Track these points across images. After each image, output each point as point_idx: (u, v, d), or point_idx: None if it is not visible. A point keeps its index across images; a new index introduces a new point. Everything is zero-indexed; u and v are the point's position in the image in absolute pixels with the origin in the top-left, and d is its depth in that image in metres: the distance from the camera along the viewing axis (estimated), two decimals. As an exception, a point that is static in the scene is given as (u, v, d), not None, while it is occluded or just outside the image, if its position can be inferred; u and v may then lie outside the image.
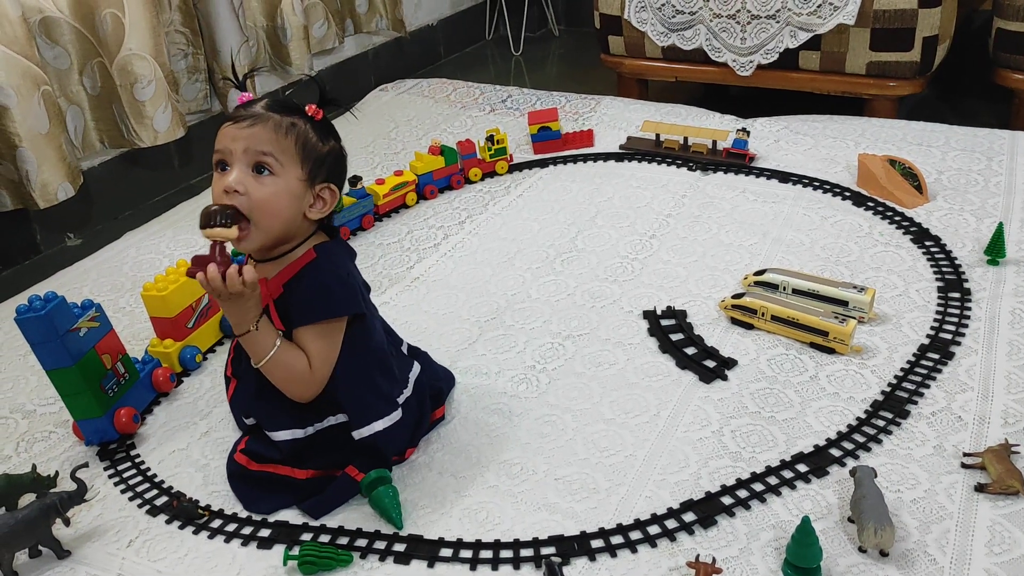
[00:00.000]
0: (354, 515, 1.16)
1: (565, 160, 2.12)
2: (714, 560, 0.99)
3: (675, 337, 1.45)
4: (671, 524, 1.10)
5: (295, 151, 1.10)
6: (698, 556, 1.00)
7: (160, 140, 2.09)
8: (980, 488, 1.11)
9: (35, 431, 1.37)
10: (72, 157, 1.94)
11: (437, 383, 1.32)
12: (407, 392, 1.23)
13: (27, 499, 1.17)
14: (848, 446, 1.20)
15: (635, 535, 1.09)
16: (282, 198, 1.09)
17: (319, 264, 1.14)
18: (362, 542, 1.11)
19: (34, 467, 1.20)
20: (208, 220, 1.05)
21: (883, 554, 1.03)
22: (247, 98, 1.13)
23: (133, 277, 1.77)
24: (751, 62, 2.30)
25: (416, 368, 1.27)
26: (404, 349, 1.30)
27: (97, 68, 2.02)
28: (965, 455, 1.16)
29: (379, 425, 1.17)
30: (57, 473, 1.21)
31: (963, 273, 1.54)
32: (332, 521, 1.15)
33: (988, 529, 1.05)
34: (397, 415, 1.19)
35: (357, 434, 1.17)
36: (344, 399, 1.16)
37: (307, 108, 1.13)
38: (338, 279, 1.14)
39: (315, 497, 1.17)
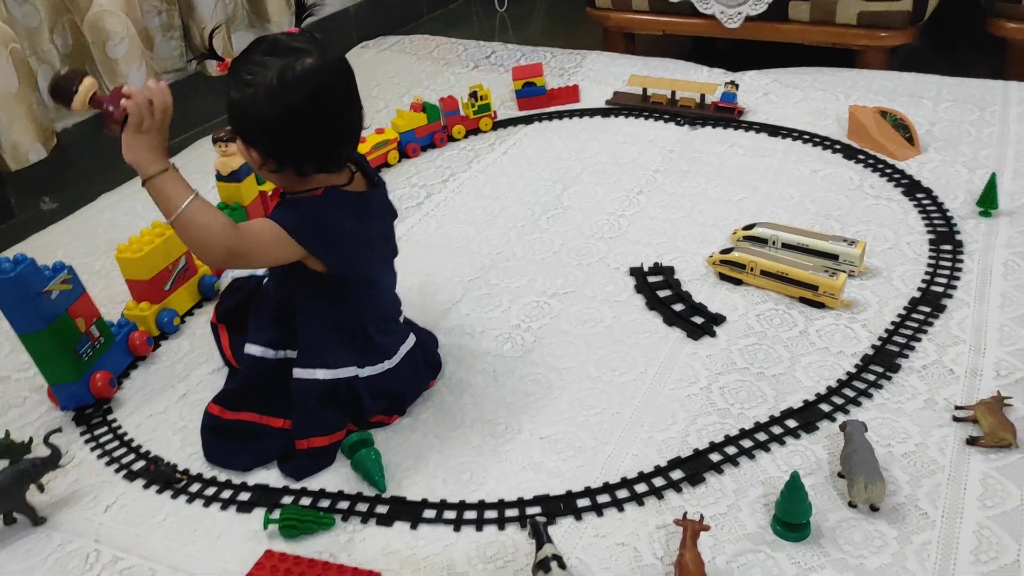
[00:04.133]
0: (336, 478, 1.14)
1: (551, 116, 2.08)
2: (702, 517, 0.97)
3: (662, 294, 1.42)
4: (658, 482, 1.08)
5: None
6: (686, 513, 0.98)
7: (135, 99, 2.03)
8: (972, 441, 1.09)
9: (9, 397, 1.34)
10: (44, 118, 1.89)
11: (435, 355, 1.30)
12: (390, 363, 1.20)
13: (0, 466, 1.14)
14: (838, 401, 1.18)
15: (622, 494, 1.07)
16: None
17: (312, 196, 1.12)
18: (344, 504, 1.09)
19: (7, 433, 1.17)
20: (58, 87, 1.05)
21: (874, 509, 1.02)
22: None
23: (108, 239, 1.73)
24: (739, 13, 2.25)
25: (411, 340, 1.25)
26: (402, 320, 1.27)
27: (68, 25, 1.97)
28: (957, 408, 1.15)
29: (321, 374, 1.15)
30: (31, 439, 1.18)
31: (955, 225, 1.52)
32: (313, 484, 1.13)
33: (980, 482, 1.04)
34: (349, 371, 1.16)
35: (296, 372, 1.15)
36: (301, 330, 1.16)
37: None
38: (310, 210, 1.10)
39: (294, 461, 1.15)
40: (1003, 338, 1.26)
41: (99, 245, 1.72)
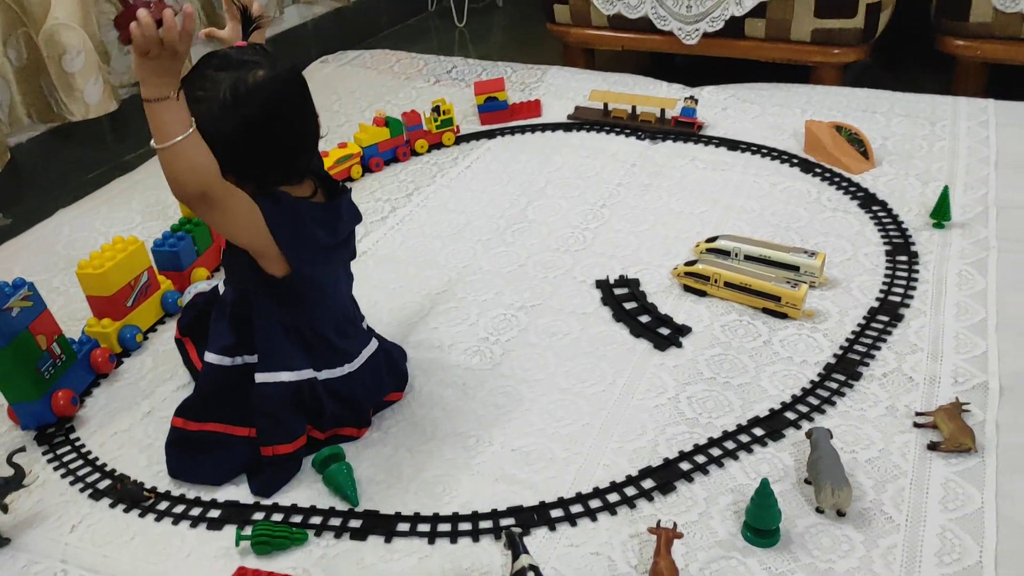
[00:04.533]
0: (308, 492, 1.13)
1: (513, 131, 2.09)
2: (675, 525, 0.99)
3: (629, 306, 1.44)
4: (630, 491, 1.10)
5: None
6: (659, 522, 1.00)
7: (92, 114, 2.01)
8: (933, 446, 1.12)
9: (-33, 417, 1.31)
10: (-2, 132, 1.86)
11: (401, 366, 1.30)
12: (351, 367, 1.20)
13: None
14: (803, 409, 1.20)
15: (594, 503, 1.08)
16: None
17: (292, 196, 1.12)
18: (317, 519, 1.09)
19: (-33, 454, 1.15)
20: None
21: (840, 514, 1.04)
22: None
23: (67, 256, 1.70)
24: (697, 30, 2.29)
25: (374, 344, 1.24)
26: (364, 326, 1.27)
27: (23, 39, 1.94)
28: (917, 414, 1.18)
29: (285, 376, 1.14)
30: (-8, 459, 1.16)
31: (910, 237, 1.56)
32: (285, 499, 1.12)
33: (942, 486, 1.07)
34: (308, 373, 1.15)
35: (259, 377, 1.13)
36: (259, 333, 1.14)
37: None
38: (289, 206, 1.09)
39: (261, 476, 1.14)
40: (959, 346, 1.29)
41: (57, 262, 1.69)
